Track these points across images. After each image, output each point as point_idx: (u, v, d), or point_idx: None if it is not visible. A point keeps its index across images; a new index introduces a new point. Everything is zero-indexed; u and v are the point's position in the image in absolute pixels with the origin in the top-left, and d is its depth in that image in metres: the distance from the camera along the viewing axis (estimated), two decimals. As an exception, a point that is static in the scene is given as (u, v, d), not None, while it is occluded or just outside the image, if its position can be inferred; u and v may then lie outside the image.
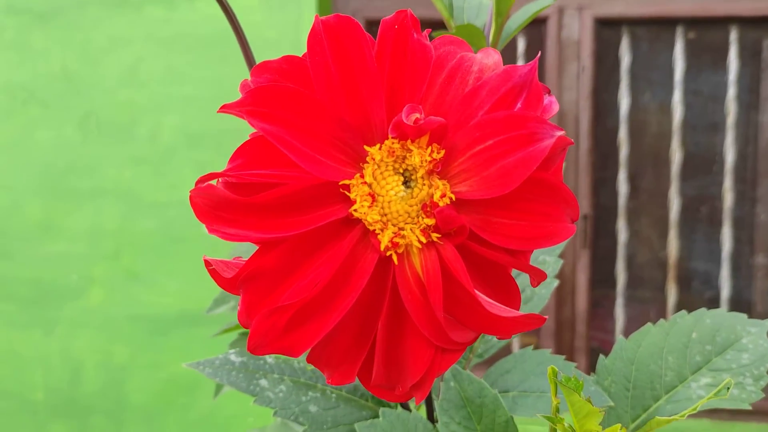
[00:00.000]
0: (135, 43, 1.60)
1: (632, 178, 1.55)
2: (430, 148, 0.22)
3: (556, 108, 0.23)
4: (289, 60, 0.23)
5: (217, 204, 0.21)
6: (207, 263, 0.23)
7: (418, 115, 0.22)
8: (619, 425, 0.27)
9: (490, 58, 0.24)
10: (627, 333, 1.54)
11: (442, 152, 0.22)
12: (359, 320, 0.22)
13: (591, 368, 1.41)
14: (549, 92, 0.24)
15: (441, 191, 0.22)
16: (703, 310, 0.40)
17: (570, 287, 1.54)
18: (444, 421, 0.37)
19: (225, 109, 0.21)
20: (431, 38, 0.24)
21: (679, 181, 1.52)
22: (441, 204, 0.22)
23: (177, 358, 1.63)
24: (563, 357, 0.39)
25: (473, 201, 0.22)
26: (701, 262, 1.54)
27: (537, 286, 0.25)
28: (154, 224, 1.62)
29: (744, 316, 0.40)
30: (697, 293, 1.55)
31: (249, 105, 0.21)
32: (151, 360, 1.64)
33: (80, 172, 1.64)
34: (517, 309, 0.24)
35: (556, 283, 0.43)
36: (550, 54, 1.50)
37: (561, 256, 0.44)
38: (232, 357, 0.39)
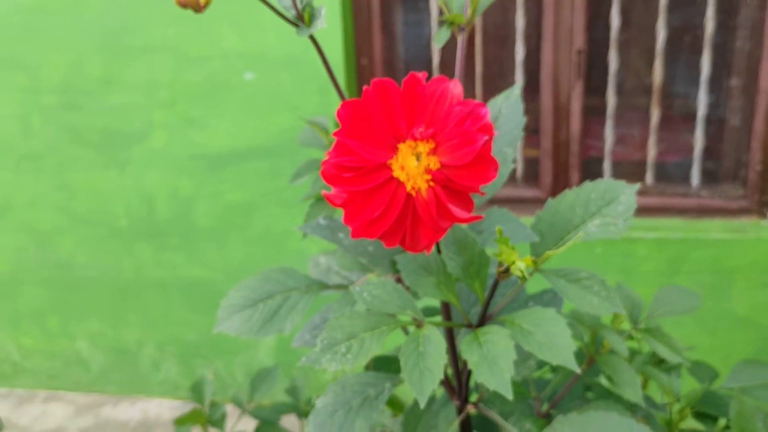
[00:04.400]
0: None
1: (624, 12, 1.71)
2: (427, 144, 0.47)
3: (488, 115, 0.48)
4: (357, 99, 0.48)
5: (333, 175, 0.47)
6: (325, 196, 0.49)
7: (421, 130, 0.47)
8: (529, 256, 0.55)
9: (456, 89, 0.48)
10: (615, 150, 1.80)
11: (433, 144, 0.48)
12: (398, 221, 0.49)
13: (582, 179, 1.69)
14: (484, 105, 0.48)
15: (433, 162, 0.48)
16: (600, 179, 0.66)
17: (565, 113, 1.77)
18: (445, 252, 0.65)
19: (335, 134, 0.46)
20: (429, 78, 0.49)
21: (666, 13, 1.69)
22: (433, 168, 0.48)
23: (233, 188, 1.94)
24: (517, 216, 0.66)
25: (449, 165, 0.48)
26: (682, 86, 1.76)
27: (483, 196, 0.51)
28: (201, 75, 1.85)
29: (623, 183, 0.66)
30: (677, 113, 1.78)
31: (344, 132, 0.46)
32: (212, 191, 1.96)
33: (131, 31, 1.84)
34: (470, 211, 0.50)
35: (513, 165, 0.69)
36: None
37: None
38: (321, 221, 0.67)
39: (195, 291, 2.08)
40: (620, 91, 1.78)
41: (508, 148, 0.67)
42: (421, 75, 0.48)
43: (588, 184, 0.66)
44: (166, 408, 2.19)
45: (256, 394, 1.44)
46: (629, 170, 1.84)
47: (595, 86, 1.77)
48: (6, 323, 2.24)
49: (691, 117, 1.77)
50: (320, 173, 0.48)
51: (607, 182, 0.66)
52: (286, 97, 1.82)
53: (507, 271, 0.59)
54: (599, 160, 1.84)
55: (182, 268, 2.06)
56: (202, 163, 1.93)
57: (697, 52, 1.71)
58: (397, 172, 0.48)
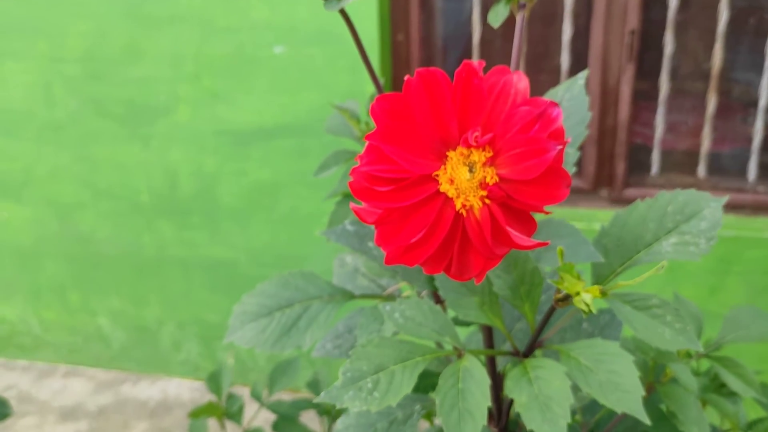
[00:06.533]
0: None
1: (683, -9, 1.58)
2: (483, 151, 0.38)
3: (560, 117, 0.38)
4: (396, 94, 0.38)
5: (365, 189, 0.38)
6: (354, 210, 0.40)
7: (477, 134, 0.37)
8: (597, 286, 0.45)
9: (522, 83, 0.39)
10: (666, 139, 1.68)
11: (491, 153, 0.38)
12: (444, 246, 0.40)
13: (629, 171, 1.57)
14: (557, 105, 0.39)
15: (490, 175, 0.38)
16: (678, 190, 0.56)
17: (614, 98, 1.65)
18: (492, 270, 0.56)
19: (367, 138, 0.37)
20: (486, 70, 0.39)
21: (730, -7, 1.55)
22: (490, 183, 0.38)
23: (259, 167, 1.86)
24: (574, 225, 0.56)
25: (510, 179, 0.39)
26: (743, 72, 1.62)
27: (548, 214, 0.42)
28: (229, 48, 1.76)
29: (708, 194, 0.56)
30: (736, 101, 1.65)
31: (380, 135, 0.37)
32: (237, 168, 1.88)
33: (156, 0, 1.75)
34: (532, 234, 0.41)
35: (575, 168, 0.59)
36: None
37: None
38: (348, 227, 0.58)
39: (217, 271, 2.01)
40: (675, 75, 1.65)
41: (570, 148, 0.57)
42: (478, 64, 0.38)
43: (665, 195, 0.56)
44: (186, 389, 2.14)
45: (276, 386, 1.37)
46: (680, 160, 1.72)
47: (647, 70, 1.64)
48: (28, 295, 2.20)
49: (751, 105, 1.63)
50: (349, 185, 0.38)
51: (687, 193, 0.55)
52: (316, 74, 1.73)
53: (566, 299, 0.49)
54: (648, 149, 1.71)
55: (204, 247, 2.00)
56: (227, 139, 1.85)
57: (762, 35, 1.57)
58: (444, 186, 0.38)
